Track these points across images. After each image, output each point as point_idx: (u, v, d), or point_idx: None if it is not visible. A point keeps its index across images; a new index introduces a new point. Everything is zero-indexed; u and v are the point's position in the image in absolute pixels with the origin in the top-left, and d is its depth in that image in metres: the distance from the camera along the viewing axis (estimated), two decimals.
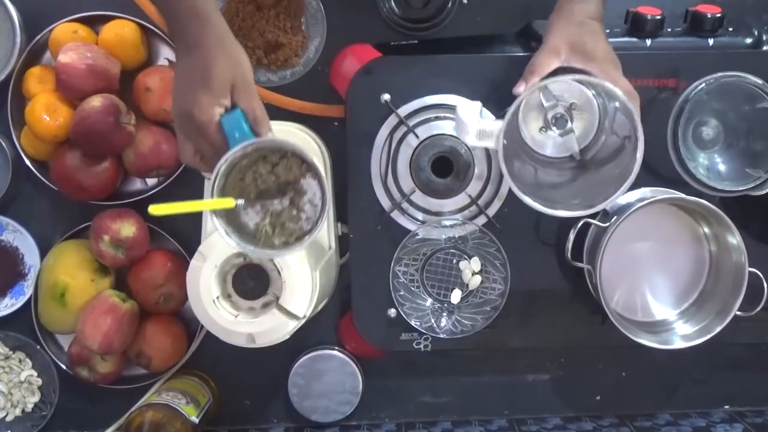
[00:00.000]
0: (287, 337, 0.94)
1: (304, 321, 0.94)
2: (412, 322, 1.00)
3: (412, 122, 0.98)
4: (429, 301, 1.01)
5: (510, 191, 0.97)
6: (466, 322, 1.01)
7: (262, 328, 0.92)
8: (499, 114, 0.96)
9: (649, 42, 0.99)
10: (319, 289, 0.95)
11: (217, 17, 0.79)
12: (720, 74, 0.92)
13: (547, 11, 0.92)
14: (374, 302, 1.02)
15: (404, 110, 0.98)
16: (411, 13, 1.07)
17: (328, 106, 1.09)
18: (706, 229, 1.01)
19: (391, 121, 0.99)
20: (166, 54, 1.10)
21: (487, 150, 0.98)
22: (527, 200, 0.87)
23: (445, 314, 1.01)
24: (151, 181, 1.12)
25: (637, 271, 1.02)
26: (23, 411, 1.13)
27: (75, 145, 1.04)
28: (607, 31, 0.97)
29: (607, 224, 0.94)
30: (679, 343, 0.98)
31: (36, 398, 1.13)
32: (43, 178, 1.08)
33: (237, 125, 0.79)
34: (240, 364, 1.13)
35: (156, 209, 0.75)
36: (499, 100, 0.97)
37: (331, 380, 1.11)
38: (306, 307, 0.93)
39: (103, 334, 1.03)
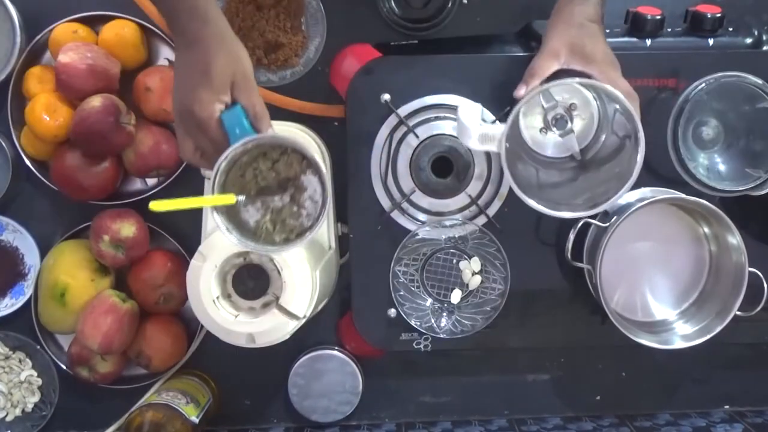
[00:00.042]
0: (287, 337, 0.94)
1: (304, 321, 0.94)
2: (412, 322, 1.00)
3: (412, 122, 0.98)
4: (429, 301, 1.01)
5: (510, 191, 0.97)
6: (466, 322, 1.01)
7: (262, 328, 0.92)
8: (499, 114, 0.97)
9: (649, 42, 0.99)
10: (319, 289, 0.95)
11: (217, 14, 0.79)
12: (720, 74, 0.92)
13: (547, 11, 0.92)
14: (374, 302, 1.02)
15: (404, 110, 0.98)
16: (411, 13, 1.07)
17: (328, 106, 1.09)
18: (706, 229, 1.01)
19: (391, 121, 0.99)
20: (166, 54, 1.10)
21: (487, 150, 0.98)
22: (531, 203, 0.87)
23: (445, 314, 1.01)
24: (151, 181, 1.12)
25: (637, 271, 1.02)
26: (23, 411, 1.13)
27: (75, 145, 1.04)
28: (607, 31, 0.97)
29: (607, 224, 0.94)
30: (679, 343, 0.98)
31: (36, 398, 1.13)
32: (43, 178, 1.08)
33: (237, 121, 0.79)
34: (240, 364, 1.13)
35: (157, 205, 0.75)
36: (499, 100, 0.97)
37: (331, 380, 1.11)
38: (306, 307, 0.93)
39: (103, 334, 1.03)
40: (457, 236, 1.00)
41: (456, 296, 1.00)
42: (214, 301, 0.93)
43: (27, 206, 1.12)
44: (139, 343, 1.08)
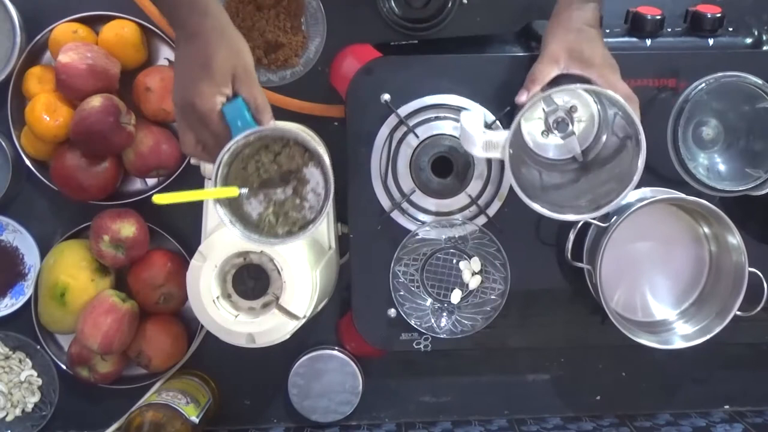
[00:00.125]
0: (287, 337, 0.94)
1: (304, 321, 0.94)
2: (412, 322, 1.00)
3: (412, 122, 0.98)
4: (429, 301, 1.01)
5: (510, 191, 0.97)
6: (466, 322, 1.01)
7: (262, 328, 0.92)
8: (499, 114, 0.97)
9: (649, 42, 0.99)
10: (319, 289, 0.95)
11: (218, 7, 0.79)
12: (720, 74, 0.92)
13: (547, 11, 0.92)
14: (374, 302, 1.02)
15: (404, 110, 0.98)
16: (411, 13, 1.07)
17: (328, 106, 1.09)
18: (706, 229, 1.01)
19: (391, 121, 0.99)
20: (166, 54, 1.10)
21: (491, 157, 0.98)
22: (536, 207, 0.87)
23: (445, 314, 1.01)
24: (151, 181, 1.12)
25: (637, 271, 1.02)
26: (23, 411, 1.13)
27: (75, 145, 1.04)
28: (607, 31, 0.97)
29: (607, 224, 0.94)
30: (679, 343, 0.98)
31: (36, 398, 1.13)
32: (43, 178, 1.08)
33: (239, 114, 0.79)
34: (240, 364, 1.13)
35: (161, 198, 0.76)
36: (499, 100, 0.97)
37: (331, 380, 1.11)
38: (306, 307, 0.93)
39: (103, 334, 1.03)
40: (457, 236, 1.00)
41: (456, 296, 1.00)
42: (214, 301, 0.92)
43: (27, 206, 1.12)
44: (139, 343, 1.08)
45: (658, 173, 0.97)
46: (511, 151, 0.86)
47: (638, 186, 0.94)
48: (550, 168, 0.96)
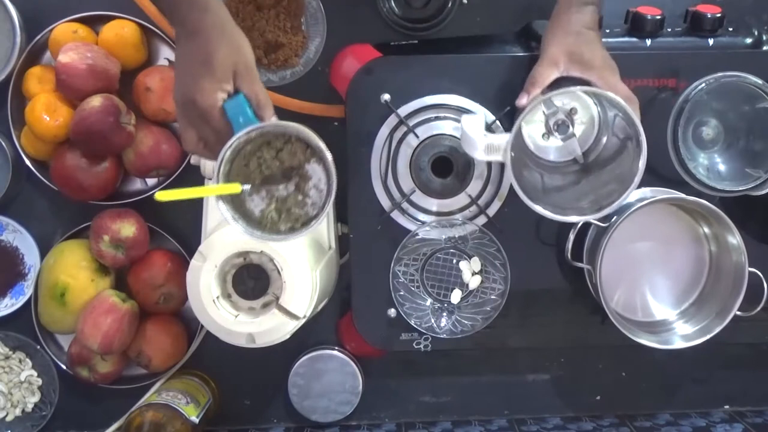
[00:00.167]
0: (287, 337, 0.94)
1: (304, 321, 0.94)
2: (412, 322, 1.00)
3: (412, 122, 0.98)
4: (429, 301, 1.01)
5: (510, 191, 0.97)
6: (466, 322, 1.01)
7: (262, 328, 0.92)
8: (499, 114, 0.97)
9: (649, 42, 0.99)
10: (319, 289, 0.95)
11: (217, 4, 0.79)
12: (720, 74, 0.92)
13: (547, 11, 0.92)
14: (374, 302, 1.02)
15: (404, 110, 0.98)
16: (411, 13, 1.07)
17: (328, 106, 1.09)
18: (706, 229, 1.01)
19: (391, 121, 0.98)
20: (166, 54, 1.10)
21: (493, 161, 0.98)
22: (538, 209, 0.87)
23: (445, 314, 1.01)
24: (151, 181, 1.12)
25: (637, 271, 1.02)
26: (23, 411, 1.13)
27: (75, 145, 1.04)
28: (607, 31, 0.97)
29: (607, 224, 0.94)
30: (679, 343, 0.98)
31: (36, 398, 1.13)
32: (43, 178, 1.08)
33: (241, 110, 0.79)
34: (240, 364, 1.13)
35: (163, 195, 0.76)
36: (499, 100, 0.97)
37: (331, 380, 1.11)
38: (306, 307, 0.93)
39: (103, 334, 1.03)
40: (457, 236, 1.00)
41: (456, 296, 1.00)
42: (214, 301, 0.92)
43: (27, 206, 1.12)
44: (139, 343, 1.08)
45: (658, 173, 0.97)
46: (513, 154, 0.86)
47: (638, 186, 0.94)
48: (551, 170, 0.96)
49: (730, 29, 1.00)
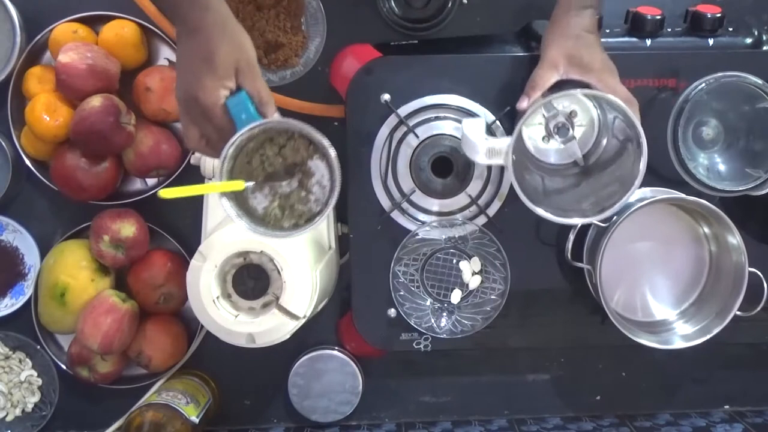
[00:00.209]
0: (287, 337, 0.94)
1: (304, 321, 0.94)
2: (412, 322, 1.00)
3: (412, 122, 0.98)
4: (429, 301, 1.01)
5: (510, 191, 0.97)
6: (466, 322, 1.01)
7: (262, 328, 0.92)
8: (499, 114, 0.97)
9: (649, 42, 0.99)
10: (319, 289, 0.95)
11: (218, 2, 0.78)
12: (720, 74, 0.92)
13: (547, 11, 0.93)
14: (374, 302, 1.02)
15: (404, 110, 0.98)
16: (411, 13, 1.07)
17: (328, 106, 1.09)
18: (706, 229, 1.01)
19: (391, 121, 0.99)
20: (166, 54, 1.10)
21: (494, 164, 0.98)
22: (540, 212, 0.87)
23: (445, 314, 1.01)
24: (151, 181, 1.12)
25: (637, 271, 1.02)
26: (23, 411, 1.13)
27: (75, 145, 1.04)
28: (607, 31, 0.97)
29: (607, 224, 0.94)
30: (679, 343, 0.98)
31: (36, 398, 1.13)
32: (43, 178, 1.08)
33: (243, 107, 0.79)
34: (240, 364, 1.13)
35: (166, 192, 0.76)
36: (499, 100, 0.97)
37: (331, 380, 1.11)
38: (306, 307, 0.93)
39: (103, 334, 1.03)
40: (457, 236, 1.00)
41: (456, 296, 1.00)
42: (214, 301, 0.92)
43: (27, 206, 1.12)
44: (139, 343, 1.08)
45: (658, 173, 0.97)
46: (514, 158, 0.86)
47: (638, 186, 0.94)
48: (552, 173, 0.96)
49: (730, 29, 1.00)
